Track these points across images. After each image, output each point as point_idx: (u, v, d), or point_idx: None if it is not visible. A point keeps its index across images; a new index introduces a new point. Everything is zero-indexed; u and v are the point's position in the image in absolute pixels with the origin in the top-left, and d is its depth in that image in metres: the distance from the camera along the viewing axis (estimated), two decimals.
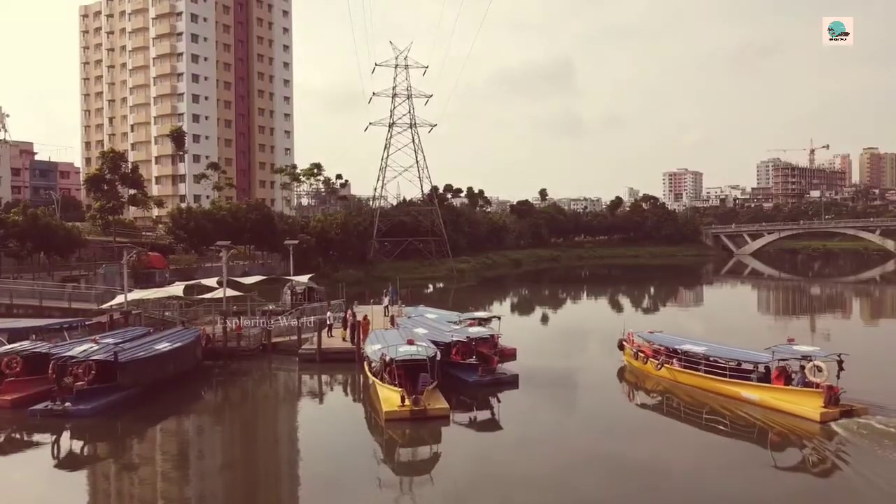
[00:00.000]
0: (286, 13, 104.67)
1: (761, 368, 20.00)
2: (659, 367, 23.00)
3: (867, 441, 15.83)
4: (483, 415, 20.13)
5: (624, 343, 26.09)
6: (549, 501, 13.51)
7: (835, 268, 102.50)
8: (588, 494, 14.09)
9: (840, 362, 18.56)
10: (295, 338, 29.21)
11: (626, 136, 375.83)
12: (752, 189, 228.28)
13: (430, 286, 69.19)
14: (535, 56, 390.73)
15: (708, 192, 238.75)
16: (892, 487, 13.40)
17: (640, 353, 24.58)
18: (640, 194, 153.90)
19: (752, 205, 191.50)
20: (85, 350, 20.36)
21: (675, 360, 22.58)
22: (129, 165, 61.37)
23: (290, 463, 17.37)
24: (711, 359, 21.44)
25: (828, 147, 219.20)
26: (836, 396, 17.93)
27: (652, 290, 68.78)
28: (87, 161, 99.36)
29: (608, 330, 30.50)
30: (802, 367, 18.93)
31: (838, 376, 18.35)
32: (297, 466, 16.98)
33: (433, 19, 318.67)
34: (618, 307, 53.60)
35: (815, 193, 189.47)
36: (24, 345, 22.21)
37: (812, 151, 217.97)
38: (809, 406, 17.92)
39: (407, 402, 18.14)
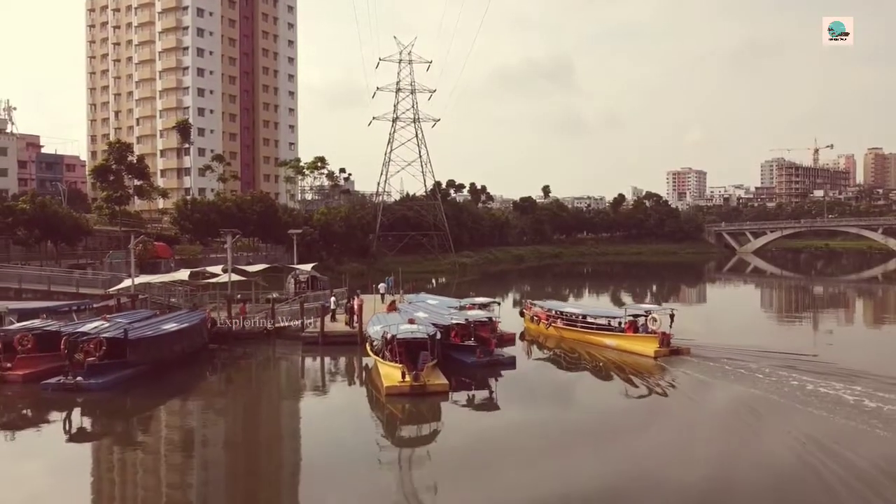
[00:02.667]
0: (291, 8, 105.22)
1: (622, 323, 26.07)
2: (548, 326, 28.80)
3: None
4: (480, 391, 20.73)
5: (524, 311, 31.99)
6: (538, 466, 14.10)
7: (837, 267, 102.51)
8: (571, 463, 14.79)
9: (672, 316, 24.66)
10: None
11: (629, 136, 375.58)
12: (756, 188, 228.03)
13: (434, 281, 69.66)
14: (538, 54, 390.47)
15: (712, 192, 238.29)
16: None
17: (535, 318, 30.23)
18: (644, 192, 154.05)
19: (756, 204, 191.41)
20: (96, 327, 20.97)
21: (559, 321, 28.51)
22: (135, 156, 62.00)
23: (293, 436, 17.91)
24: (587, 318, 27.82)
25: (832, 147, 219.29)
26: (668, 340, 23.84)
27: (654, 287, 69.11)
28: (93, 154, 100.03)
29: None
30: (646, 320, 25.01)
31: (670, 326, 24.41)
32: (299, 439, 17.47)
33: (436, 17, 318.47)
34: (619, 303, 53.98)
35: (818, 193, 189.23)
36: (36, 323, 22.85)
37: (816, 151, 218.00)
38: (647, 347, 23.96)
39: (407, 377, 18.70)
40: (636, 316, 25.78)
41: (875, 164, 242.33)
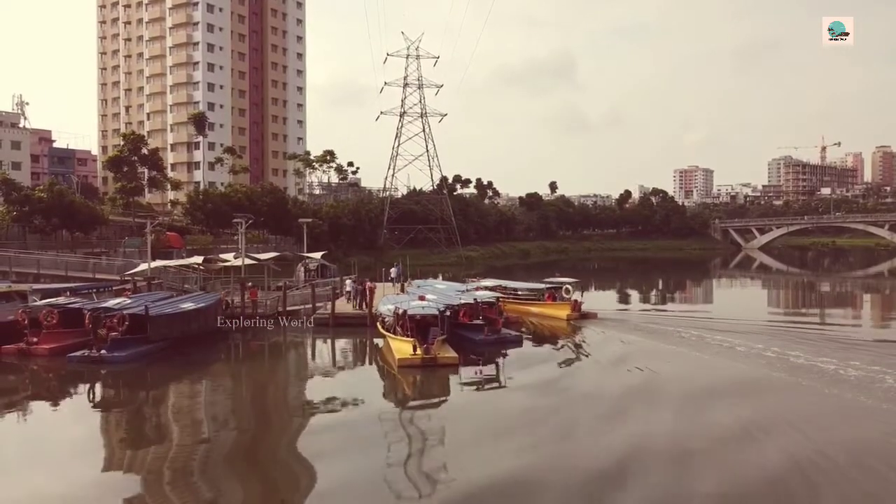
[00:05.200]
0: (300, 4, 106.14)
1: (544, 294, 31.73)
2: None
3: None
4: (488, 364, 21.33)
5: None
6: (539, 419, 15.00)
7: (844, 264, 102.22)
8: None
9: (583, 287, 33.63)
10: (309, 306, 30.56)
11: (635, 135, 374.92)
12: (763, 186, 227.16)
13: (440, 275, 70.25)
14: (544, 52, 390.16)
15: (718, 190, 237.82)
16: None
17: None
18: (650, 190, 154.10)
19: (763, 202, 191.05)
20: (119, 303, 21.82)
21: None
22: (148, 148, 62.98)
23: (308, 404, 18.47)
24: (517, 290, 33.39)
25: (839, 144, 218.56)
26: (579, 306, 29.85)
27: (660, 282, 69.46)
28: (104, 149, 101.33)
29: (606, 311, 33.97)
30: (562, 291, 31.38)
31: (581, 295, 31.76)
32: (313, 408, 17.98)
33: (442, 15, 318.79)
34: (624, 297, 54.44)
35: (825, 191, 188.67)
36: (60, 300, 23.71)
37: (824, 149, 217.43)
38: (562, 312, 29.67)
39: (418, 350, 19.44)
40: (553, 288, 31.76)
41: (883, 162, 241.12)
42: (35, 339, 21.87)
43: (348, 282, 32.41)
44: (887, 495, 11.41)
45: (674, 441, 13.57)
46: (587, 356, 23.47)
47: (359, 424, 15.58)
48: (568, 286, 31.39)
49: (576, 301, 30.04)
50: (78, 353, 20.73)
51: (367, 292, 28.86)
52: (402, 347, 20.17)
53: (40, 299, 25.23)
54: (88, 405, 18.39)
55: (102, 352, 20.58)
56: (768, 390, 17.75)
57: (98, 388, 19.75)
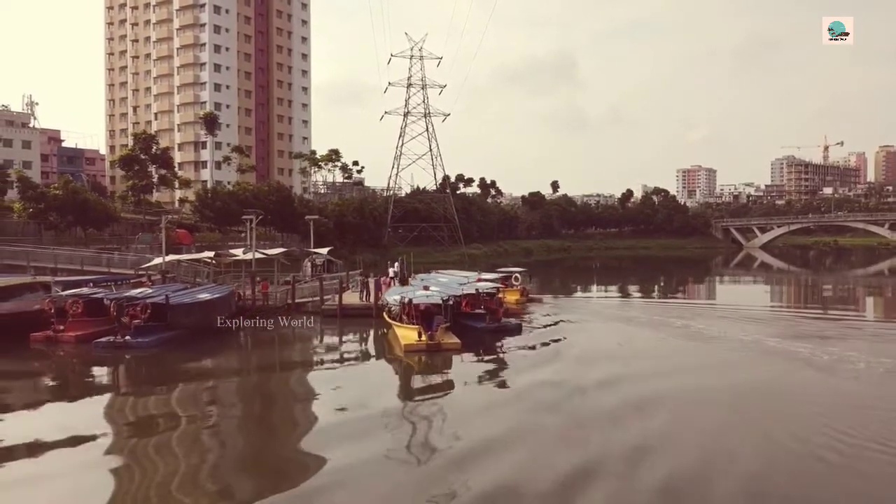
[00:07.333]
0: (305, 5, 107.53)
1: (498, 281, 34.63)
2: None
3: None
4: (489, 350, 22.68)
5: None
6: (539, 396, 16.25)
7: (845, 263, 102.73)
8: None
9: (530, 275, 39.88)
10: (317, 299, 31.75)
11: (638, 134, 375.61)
12: (766, 186, 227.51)
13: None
14: (546, 52, 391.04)
15: (721, 189, 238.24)
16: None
17: None
18: (653, 189, 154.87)
19: (766, 201, 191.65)
20: (141, 292, 23.09)
21: None
22: (159, 147, 64.37)
23: (320, 390, 19.58)
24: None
25: (842, 144, 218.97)
26: (527, 291, 35.75)
27: (663, 281, 70.37)
28: (112, 149, 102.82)
29: (603, 305, 38.54)
30: (512, 279, 35.80)
31: (529, 281, 38.64)
32: (325, 394, 18.97)
33: (446, 15, 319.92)
34: (626, 294, 55.43)
35: (828, 190, 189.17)
36: (84, 291, 25.02)
37: (826, 148, 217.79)
38: (511, 297, 33.55)
39: (423, 337, 20.66)
40: (505, 277, 36.06)
41: (886, 161, 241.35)
42: (62, 327, 23.13)
43: (392, 270, 34.00)
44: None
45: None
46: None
47: (364, 405, 16.73)
48: (517, 275, 36.21)
49: (524, 287, 35.29)
50: (104, 340, 22.00)
51: (385, 287, 30.13)
52: (407, 334, 21.39)
53: (63, 290, 26.56)
54: (114, 386, 19.62)
55: (127, 338, 21.85)
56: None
57: (124, 370, 20.96)
